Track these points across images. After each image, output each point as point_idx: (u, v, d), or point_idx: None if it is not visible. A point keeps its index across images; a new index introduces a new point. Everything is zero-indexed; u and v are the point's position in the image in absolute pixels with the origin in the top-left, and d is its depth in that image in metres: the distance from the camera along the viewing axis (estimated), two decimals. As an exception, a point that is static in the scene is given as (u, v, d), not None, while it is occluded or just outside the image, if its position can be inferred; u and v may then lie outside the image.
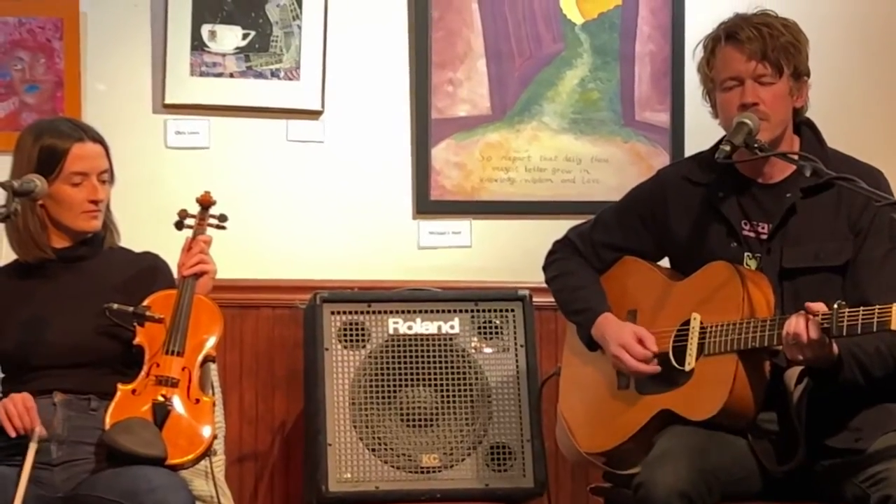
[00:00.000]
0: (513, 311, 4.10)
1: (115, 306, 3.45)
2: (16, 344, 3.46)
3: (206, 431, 3.35)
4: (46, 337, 3.45)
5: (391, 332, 4.04)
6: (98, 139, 3.54)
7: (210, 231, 3.60)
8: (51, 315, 3.47)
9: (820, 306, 3.03)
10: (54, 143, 3.48)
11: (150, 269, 3.61)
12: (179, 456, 3.31)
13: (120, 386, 3.38)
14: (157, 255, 3.66)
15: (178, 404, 3.35)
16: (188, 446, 3.33)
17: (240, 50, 4.48)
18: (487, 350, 4.07)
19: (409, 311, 4.06)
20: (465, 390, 4.02)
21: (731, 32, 3.31)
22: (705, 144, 3.47)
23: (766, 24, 3.30)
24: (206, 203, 3.64)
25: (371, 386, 3.99)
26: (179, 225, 3.62)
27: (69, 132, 3.50)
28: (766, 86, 3.29)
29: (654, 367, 3.34)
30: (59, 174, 3.45)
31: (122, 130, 4.26)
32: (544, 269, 3.67)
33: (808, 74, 3.36)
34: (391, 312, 4.05)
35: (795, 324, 3.04)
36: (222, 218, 3.64)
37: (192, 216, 3.62)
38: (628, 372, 3.40)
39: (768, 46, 3.27)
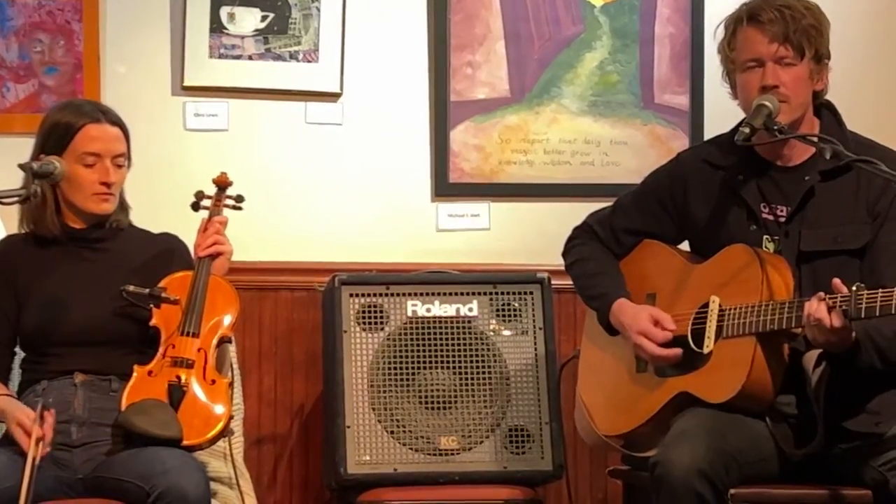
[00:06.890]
0: (531, 293, 4.09)
1: (132, 288, 3.45)
2: (36, 323, 3.47)
3: (222, 412, 3.35)
4: (66, 316, 3.46)
5: (410, 314, 4.03)
6: (117, 122, 3.54)
7: (227, 212, 3.60)
8: (70, 295, 3.48)
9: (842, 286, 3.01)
10: (69, 119, 3.49)
11: (168, 251, 3.61)
12: (195, 437, 3.31)
13: (136, 367, 3.39)
14: (176, 237, 3.67)
15: (193, 385, 3.36)
16: (203, 427, 3.33)
17: (258, 32, 4.48)
18: (506, 333, 4.06)
19: (427, 294, 4.05)
20: (484, 373, 4.02)
21: (752, 13, 3.29)
22: (724, 127, 3.45)
23: (788, 5, 3.28)
24: (222, 184, 3.63)
25: (389, 368, 3.99)
26: (196, 206, 3.62)
27: (88, 112, 3.51)
28: (787, 68, 3.27)
29: (676, 353, 3.33)
30: (69, 152, 3.45)
31: (141, 112, 4.26)
32: (563, 255, 3.66)
33: (828, 57, 3.34)
34: (410, 295, 4.05)
35: (817, 309, 3.02)
36: (239, 198, 3.64)
37: (209, 197, 3.62)
38: (651, 361, 3.39)
39: (790, 28, 3.25)
